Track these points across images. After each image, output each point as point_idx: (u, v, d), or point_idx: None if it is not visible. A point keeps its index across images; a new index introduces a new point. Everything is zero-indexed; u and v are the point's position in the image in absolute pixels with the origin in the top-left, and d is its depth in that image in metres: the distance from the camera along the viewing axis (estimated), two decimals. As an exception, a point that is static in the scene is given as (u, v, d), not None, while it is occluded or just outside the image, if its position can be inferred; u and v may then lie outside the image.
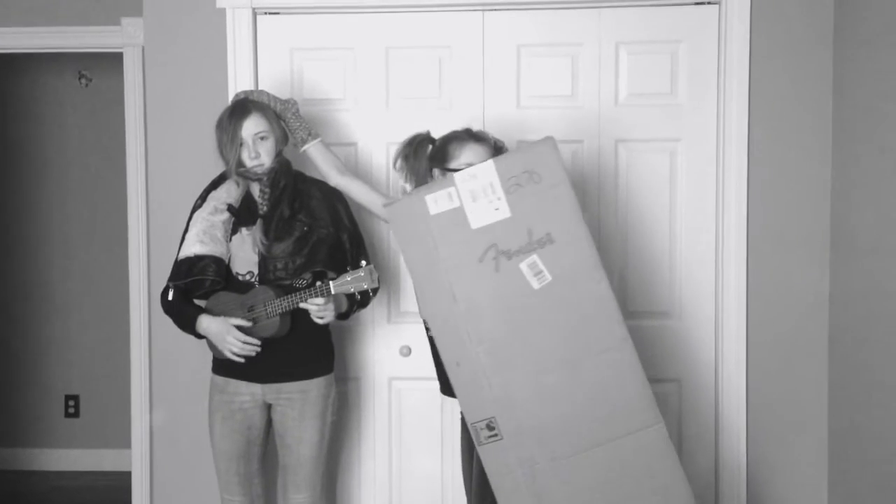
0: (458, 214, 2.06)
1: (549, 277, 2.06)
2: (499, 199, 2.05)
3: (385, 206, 2.19)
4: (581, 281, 2.08)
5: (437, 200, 2.05)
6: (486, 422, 2.08)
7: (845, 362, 2.71)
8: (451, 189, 2.06)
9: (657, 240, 2.88)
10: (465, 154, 2.33)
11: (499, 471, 2.10)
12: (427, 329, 2.44)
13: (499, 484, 2.11)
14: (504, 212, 2.05)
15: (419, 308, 2.41)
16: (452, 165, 2.33)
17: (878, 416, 2.49)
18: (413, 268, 2.13)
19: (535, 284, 2.06)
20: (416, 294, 2.21)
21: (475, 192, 2.05)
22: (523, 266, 2.06)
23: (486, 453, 2.11)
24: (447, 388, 2.43)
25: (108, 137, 4.28)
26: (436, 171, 2.39)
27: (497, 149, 2.38)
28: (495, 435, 2.08)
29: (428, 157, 2.42)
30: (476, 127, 2.48)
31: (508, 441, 2.08)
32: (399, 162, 2.47)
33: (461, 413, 2.53)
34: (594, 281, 2.08)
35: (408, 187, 2.47)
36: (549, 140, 2.12)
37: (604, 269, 2.10)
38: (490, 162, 2.08)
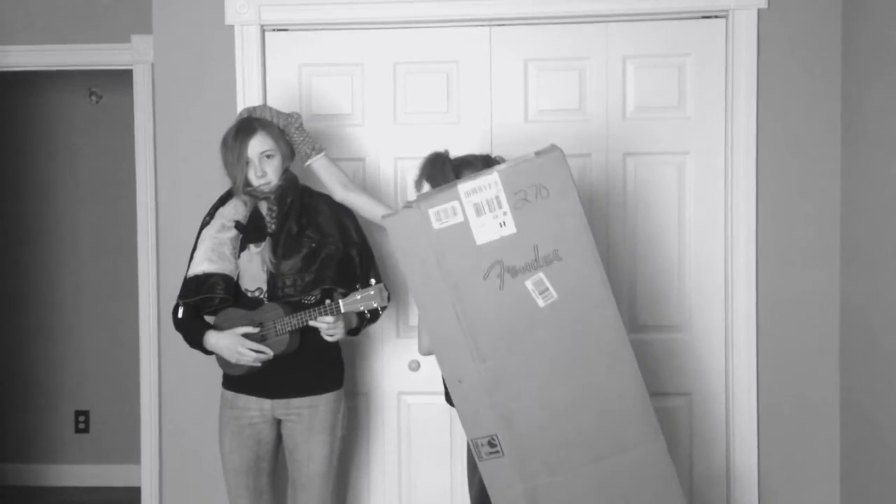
0: (463, 230, 1.97)
1: (555, 296, 2.00)
2: (505, 213, 1.97)
3: (384, 217, 2.08)
4: (588, 301, 2.03)
5: (441, 214, 1.97)
6: (487, 438, 2.05)
7: (857, 372, 2.70)
8: (455, 203, 1.97)
9: (666, 253, 2.88)
10: None
11: (499, 486, 2.08)
12: None
13: (498, 498, 2.09)
14: (510, 227, 1.98)
15: (419, 342, 2.37)
16: None
17: (891, 425, 2.48)
18: (412, 281, 2.05)
19: (541, 303, 2.00)
20: (417, 307, 2.15)
21: (480, 206, 1.97)
22: (529, 284, 2.00)
23: (486, 469, 2.08)
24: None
25: (118, 154, 4.30)
26: None
27: None
28: (496, 451, 2.06)
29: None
30: (485, 144, 2.44)
31: (509, 457, 2.05)
32: (421, 182, 2.36)
33: None
34: (601, 300, 2.03)
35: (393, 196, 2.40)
36: (556, 151, 2.00)
37: (611, 288, 2.05)
38: (495, 174, 1.98)
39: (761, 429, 2.83)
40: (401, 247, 2.03)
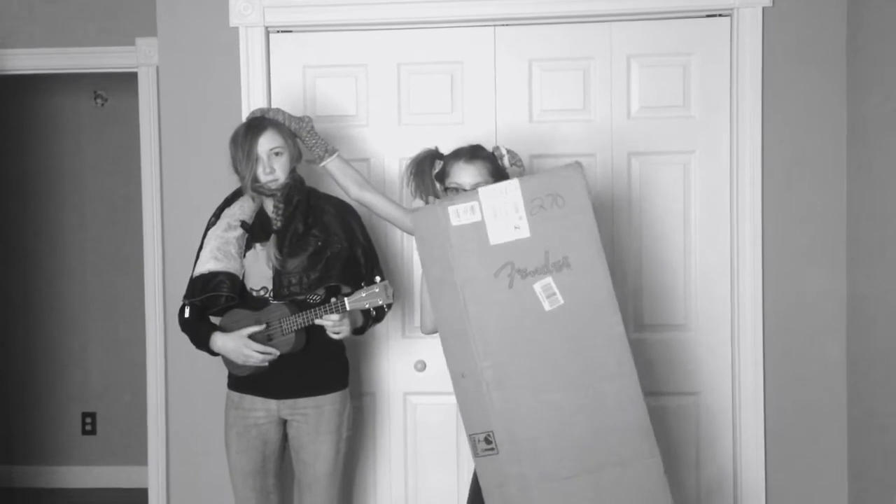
0: (479, 229, 2.07)
1: (561, 301, 2.06)
2: (520, 218, 2.06)
3: (411, 212, 2.25)
4: (593, 310, 2.07)
5: (460, 212, 2.07)
6: (484, 435, 2.09)
7: (864, 370, 2.69)
8: (475, 203, 2.08)
9: (672, 252, 2.88)
10: (455, 173, 2.33)
11: (492, 483, 2.11)
12: None
13: (490, 496, 2.12)
14: (524, 231, 2.06)
15: (422, 321, 2.45)
16: (446, 183, 2.35)
17: (897, 427, 2.47)
18: (428, 270, 2.14)
19: (547, 306, 2.06)
20: (430, 298, 2.19)
21: (497, 208, 2.06)
22: (537, 287, 2.06)
23: (481, 465, 2.12)
24: None
25: (123, 156, 4.32)
26: (440, 187, 2.41)
27: (494, 164, 2.36)
28: (492, 448, 2.09)
29: (436, 174, 2.43)
30: (489, 142, 2.46)
31: (504, 456, 2.08)
32: (408, 179, 2.47)
33: None
34: (607, 312, 2.07)
35: (419, 202, 2.47)
36: (577, 166, 2.11)
37: (617, 303, 2.07)
38: (516, 181, 2.09)
39: (768, 428, 2.82)
40: (421, 237, 2.15)
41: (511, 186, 2.08)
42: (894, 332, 2.48)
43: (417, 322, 2.90)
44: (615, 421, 2.08)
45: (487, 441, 2.09)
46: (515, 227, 2.06)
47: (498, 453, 2.08)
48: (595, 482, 2.08)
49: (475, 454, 2.11)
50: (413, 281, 2.88)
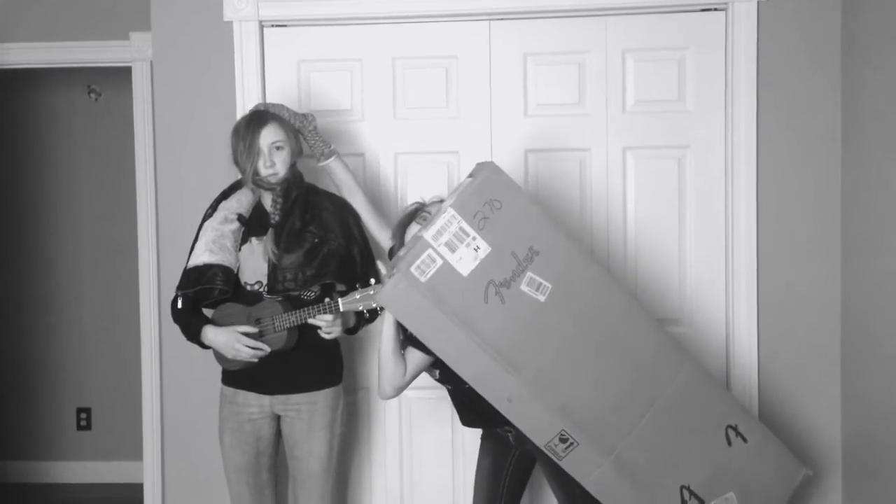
0: (447, 270, 2.05)
1: (549, 286, 2.10)
2: (474, 238, 2.07)
3: (373, 296, 2.27)
4: (574, 273, 2.14)
5: (422, 267, 2.04)
6: (557, 436, 2.13)
7: (858, 364, 2.70)
8: (430, 251, 2.04)
9: (666, 246, 2.88)
10: (430, 207, 2.35)
11: (588, 472, 2.17)
12: (443, 384, 2.44)
13: (590, 483, 2.18)
14: (484, 248, 2.07)
15: (381, 387, 2.34)
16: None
17: (892, 418, 2.48)
18: (426, 338, 2.13)
19: (541, 297, 2.09)
20: (446, 359, 2.17)
21: (451, 243, 2.05)
22: (524, 287, 2.09)
23: (570, 464, 2.16)
24: (469, 421, 2.48)
25: (117, 151, 4.30)
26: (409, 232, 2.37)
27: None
28: (571, 444, 2.13)
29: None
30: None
31: (584, 442, 2.13)
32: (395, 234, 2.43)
33: (483, 438, 2.56)
34: (582, 265, 2.16)
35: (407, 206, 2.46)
36: (489, 164, 2.16)
37: (589, 251, 2.20)
38: (450, 210, 2.06)
39: (762, 420, 2.82)
40: (401, 313, 2.12)
41: (450, 217, 2.06)
42: (888, 324, 2.48)
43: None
44: (644, 354, 2.19)
45: (563, 440, 2.13)
46: (476, 249, 2.06)
47: (578, 444, 2.13)
48: (661, 411, 2.18)
49: (559, 459, 2.16)
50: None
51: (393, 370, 2.28)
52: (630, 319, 2.20)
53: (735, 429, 2.27)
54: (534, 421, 2.15)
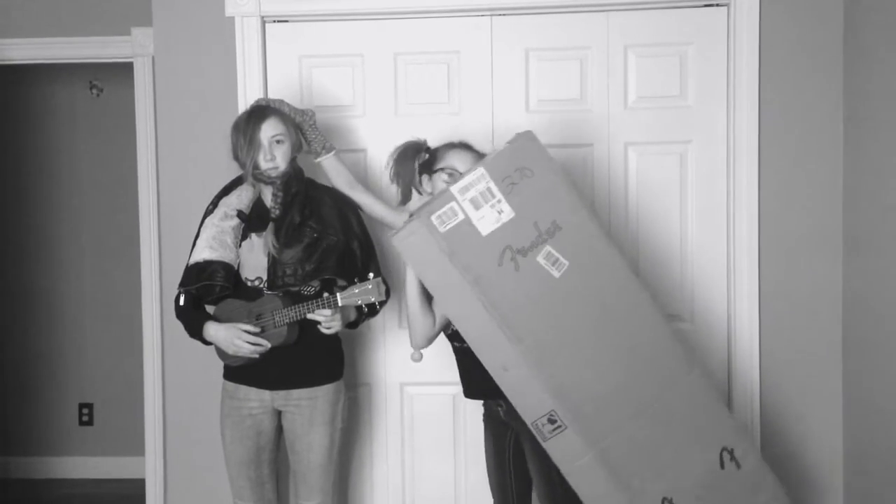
0: (467, 226, 2.05)
1: (566, 263, 2.09)
2: (499, 201, 2.07)
3: (392, 236, 2.15)
4: (594, 256, 2.13)
5: (443, 217, 2.04)
6: (546, 416, 2.09)
7: (860, 360, 2.70)
8: (453, 203, 2.06)
9: (668, 242, 2.88)
10: (450, 157, 2.39)
11: (570, 459, 2.13)
12: (452, 341, 2.45)
13: (570, 471, 2.15)
14: (508, 212, 2.07)
15: (413, 338, 2.42)
16: (437, 166, 2.39)
17: (894, 413, 2.48)
18: (434, 289, 2.14)
19: (556, 273, 2.09)
20: (440, 310, 2.19)
21: (476, 200, 2.06)
22: (540, 259, 2.08)
23: (553, 448, 2.13)
24: (471, 392, 2.48)
25: (119, 147, 4.30)
26: (424, 178, 2.44)
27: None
28: (559, 426, 2.09)
29: (420, 165, 2.45)
30: (486, 135, 2.48)
31: (573, 428, 2.09)
32: (389, 163, 2.51)
33: (485, 416, 2.55)
34: (605, 252, 2.15)
35: (393, 190, 2.53)
36: (527, 133, 2.16)
37: (612, 238, 2.16)
38: (481, 168, 2.08)
39: (763, 419, 2.82)
40: (415, 260, 2.13)
41: (479, 175, 2.08)
42: (890, 320, 2.48)
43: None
44: (649, 350, 2.16)
45: (552, 421, 2.09)
46: (499, 212, 2.07)
47: (566, 428, 2.09)
48: (655, 414, 2.14)
49: (543, 440, 2.12)
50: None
51: (423, 321, 2.36)
52: (642, 315, 2.18)
53: (731, 452, 2.21)
54: (526, 396, 2.11)
